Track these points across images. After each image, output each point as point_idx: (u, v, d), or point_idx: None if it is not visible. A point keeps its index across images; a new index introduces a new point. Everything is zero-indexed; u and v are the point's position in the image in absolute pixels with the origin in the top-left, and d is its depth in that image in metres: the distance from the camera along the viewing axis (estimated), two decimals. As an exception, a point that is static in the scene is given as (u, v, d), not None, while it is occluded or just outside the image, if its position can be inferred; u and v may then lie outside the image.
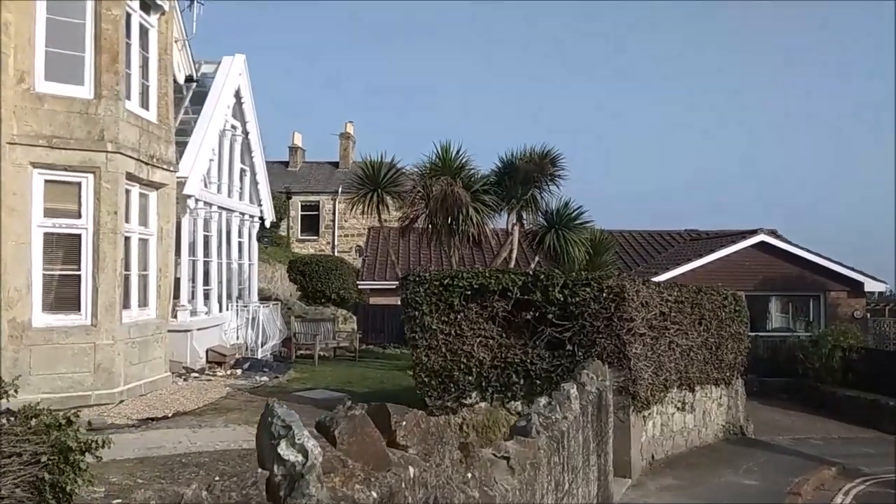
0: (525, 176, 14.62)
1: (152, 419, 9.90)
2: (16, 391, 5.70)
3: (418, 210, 15.32)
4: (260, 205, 19.52)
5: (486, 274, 9.68)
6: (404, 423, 2.44)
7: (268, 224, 20.15)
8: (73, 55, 10.57)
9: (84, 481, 5.00)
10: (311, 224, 39.78)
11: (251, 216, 19.04)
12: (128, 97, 11.45)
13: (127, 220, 11.51)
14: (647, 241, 28.48)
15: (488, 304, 9.74)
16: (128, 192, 11.50)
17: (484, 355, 9.73)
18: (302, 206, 39.76)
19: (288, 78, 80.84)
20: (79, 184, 10.57)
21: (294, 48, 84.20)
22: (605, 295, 9.43)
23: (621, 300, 9.41)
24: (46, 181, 10.35)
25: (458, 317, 9.76)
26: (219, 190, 16.72)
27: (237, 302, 17.66)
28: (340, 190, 36.99)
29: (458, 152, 14.39)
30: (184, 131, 15.53)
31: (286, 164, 42.97)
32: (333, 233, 39.31)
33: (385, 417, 2.44)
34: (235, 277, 17.94)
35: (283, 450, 1.71)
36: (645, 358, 10.03)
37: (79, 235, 10.57)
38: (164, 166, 12.33)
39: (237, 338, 17.19)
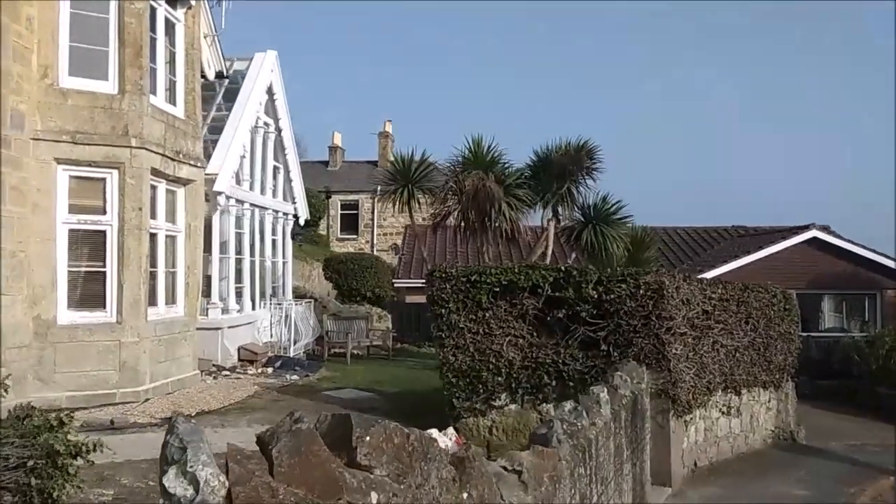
0: (560, 169, 14.07)
1: (175, 418, 9.70)
2: (6, 390, 5.40)
3: (450, 206, 14.90)
4: (294, 202, 19.38)
5: (516, 270, 9.22)
6: (368, 437, 2.04)
7: (302, 222, 20.01)
8: (97, 50, 10.47)
9: (73, 486, 4.72)
10: (350, 223, 40.00)
11: (285, 214, 18.91)
12: (153, 92, 11.32)
13: (153, 217, 11.39)
14: (692, 237, 27.55)
15: (518, 301, 9.28)
16: (154, 188, 11.38)
17: (513, 355, 9.27)
18: (341, 204, 39.99)
19: (329, 76, 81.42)
20: (103, 180, 10.47)
21: (333, 46, 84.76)
22: (642, 292, 8.89)
23: (660, 297, 8.85)
24: (71, 177, 10.28)
25: (487, 315, 9.32)
26: (251, 187, 16.60)
27: (271, 300, 17.53)
28: (379, 189, 36.98)
29: (490, 146, 13.93)
30: (216, 128, 15.45)
31: (326, 163, 43.25)
32: (372, 231, 39.35)
33: (346, 432, 2.03)
34: (269, 275, 17.82)
35: (171, 480, 1.34)
36: (686, 359, 9.44)
37: (104, 232, 10.48)
38: (192, 162, 12.19)
39: (271, 336, 17.05)
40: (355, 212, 39.49)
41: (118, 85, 10.48)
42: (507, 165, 14.22)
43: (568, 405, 5.22)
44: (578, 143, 13.99)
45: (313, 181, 39.23)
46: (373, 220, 38.84)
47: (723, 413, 10.96)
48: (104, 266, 10.46)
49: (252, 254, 16.78)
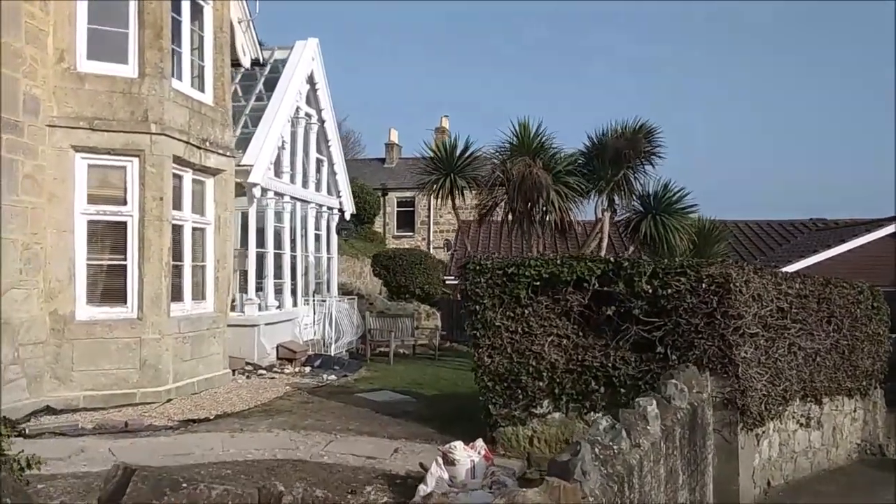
0: (615, 154, 12.91)
1: (193, 421, 9.10)
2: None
3: (497, 196, 13.94)
4: (339, 196, 18.75)
5: (558, 261, 8.18)
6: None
7: (347, 216, 19.36)
8: (116, 32, 9.98)
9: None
10: (407, 220, 39.76)
11: (329, 208, 18.30)
12: (178, 77, 10.78)
13: (179, 208, 10.85)
14: (766, 231, 25.69)
15: (561, 296, 8.24)
16: (179, 177, 10.84)
17: (556, 357, 8.24)
18: (398, 202, 39.79)
19: (386, 73, 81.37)
20: (123, 168, 9.96)
21: (392, 42, 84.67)
22: (704, 286, 7.73)
23: (726, 292, 7.67)
24: (90, 166, 9.80)
25: (526, 312, 8.33)
26: (292, 180, 16.02)
27: (314, 297, 16.94)
28: (447, 191, 36.30)
29: (538, 130, 12.88)
30: (257, 119, 14.92)
31: (383, 160, 43.02)
32: (429, 228, 38.87)
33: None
34: (312, 271, 17.23)
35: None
36: (757, 363, 8.22)
37: (124, 223, 9.97)
38: (221, 151, 11.61)
39: (313, 334, 16.46)
40: (411, 209, 39.19)
41: (138, 68, 9.95)
42: (556, 151, 13.15)
43: (604, 422, 4.22)
44: (635, 125, 12.79)
45: (370, 178, 39.01)
46: (429, 216, 38.31)
47: (801, 425, 9.66)
48: (125, 259, 9.95)
49: (293, 249, 16.22)
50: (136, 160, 9.93)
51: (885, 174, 71.51)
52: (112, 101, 9.75)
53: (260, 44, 15.01)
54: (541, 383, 8.30)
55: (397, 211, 39.88)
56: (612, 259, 8.17)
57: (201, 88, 11.55)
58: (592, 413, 8.23)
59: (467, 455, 6.40)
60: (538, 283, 8.27)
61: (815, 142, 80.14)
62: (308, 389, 11.72)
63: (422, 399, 11.22)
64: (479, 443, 6.79)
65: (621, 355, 8.05)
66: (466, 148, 13.54)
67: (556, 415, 8.38)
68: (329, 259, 18.43)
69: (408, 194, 39.09)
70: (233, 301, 14.16)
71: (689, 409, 5.65)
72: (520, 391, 8.37)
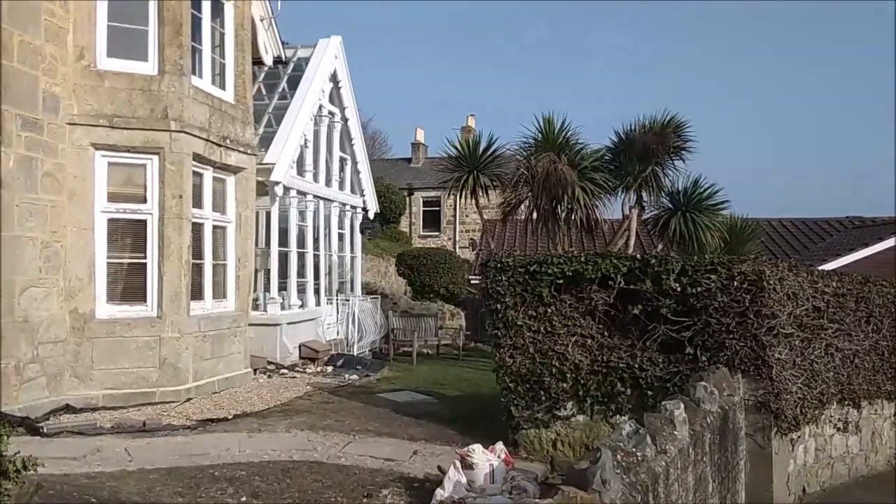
0: (643, 150, 12.55)
1: (211, 420, 9.00)
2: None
3: (521, 194, 13.65)
4: (363, 195, 18.63)
5: (582, 259, 7.90)
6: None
7: (371, 215, 19.22)
8: (136, 29, 9.93)
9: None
10: (433, 220, 39.76)
11: (353, 207, 18.18)
12: (198, 74, 10.71)
13: (199, 206, 10.78)
14: (800, 229, 24.95)
15: (585, 295, 7.96)
16: (200, 175, 10.77)
17: (580, 358, 7.97)
18: (423, 201, 39.77)
19: (411, 71, 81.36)
20: (143, 166, 9.91)
21: (416, 41, 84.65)
22: (736, 283, 7.39)
23: (758, 290, 7.33)
24: (110, 164, 9.76)
25: (549, 311, 8.06)
26: (315, 178, 15.92)
27: (337, 296, 16.82)
28: (471, 189, 36.10)
29: (562, 125, 12.58)
30: (280, 117, 14.84)
31: (409, 160, 42.99)
32: (454, 228, 38.75)
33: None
34: (335, 270, 17.12)
35: None
36: (792, 365, 7.87)
37: (144, 221, 9.92)
38: (241, 149, 11.53)
39: (337, 333, 16.36)
40: (437, 208, 39.16)
41: (158, 65, 9.90)
42: (582, 146, 12.84)
43: (627, 427, 3.97)
44: (664, 119, 12.42)
45: (396, 178, 38.99)
46: (455, 216, 38.15)
47: (838, 429, 9.25)
48: (145, 257, 9.90)
49: (316, 247, 16.12)
50: (155, 158, 9.87)
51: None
52: (132, 99, 9.71)
53: (283, 42, 14.94)
54: (564, 385, 8.04)
55: (423, 211, 39.90)
56: (638, 256, 7.87)
57: (222, 86, 11.48)
58: (618, 416, 7.95)
59: (486, 459, 6.17)
60: (561, 282, 8.00)
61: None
62: (329, 389, 11.58)
63: (444, 400, 11.01)
64: (499, 446, 6.55)
65: (648, 356, 7.75)
66: (490, 145, 13.30)
67: (581, 417, 8.11)
68: (353, 258, 18.31)
69: (434, 194, 39.02)
70: (256, 300, 14.12)
71: (719, 413, 5.35)
72: (542, 393, 8.11)
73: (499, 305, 8.20)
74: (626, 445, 3.74)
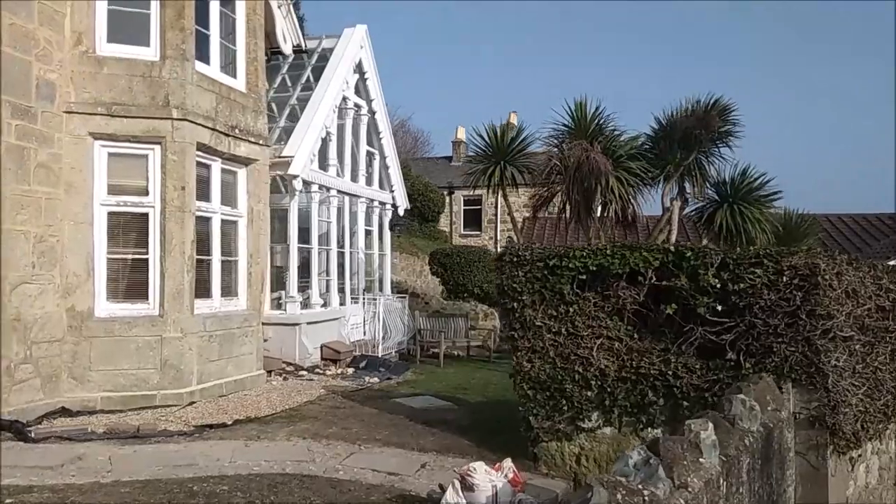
0: (685, 135, 11.53)
1: (210, 426, 8.42)
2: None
3: (553, 187, 12.78)
4: (392, 191, 17.97)
5: (608, 251, 7.03)
6: None
7: (401, 211, 18.54)
8: (137, 12, 9.45)
9: None
10: (473, 219, 39.17)
11: (381, 203, 17.54)
12: (204, 60, 10.18)
13: (207, 199, 10.26)
14: (861, 226, 23.31)
15: (611, 292, 7.08)
16: (207, 166, 10.25)
17: (607, 363, 7.09)
18: (464, 200, 39.17)
19: (453, 68, 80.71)
20: (145, 156, 9.42)
21: (459, 38, 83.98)
22: (786, 279, 6.42)
23: (812, 287, 6.34)
24: (110, 154, 9.30)
25: (571, 310, 7.21)
26: (339, 173, 15.33)
27: (364, 295, 16.20)
28: (515, 187, 35.35)
29: (596, 111, 11.65)
30: (304, 109, 14.29)
31: (449, 159, 42.47)
32: (495, 227, 38.04)
33: None
34: (362, 268, 16.49)
35: None
36: (852, 373, 6.83)
37: (146, 215, 9.43)
38: (252, 139, 10.97)
39: (363, 334, 15.72)
40: (478, 207, 38.51)
41: (159, 50, 9.39)
42: (617, 133, 11.88)
43: (635, 455, 3.14)
44: (708, 101, 11.38)
45: (437, 177, 38.42)
46: (496, 215, 37.39)
47: (907, 447, 8.14)
48: (147, 253, 9.40)
49: (341, 245, 15.53)
50: (157, 147, 9.37)
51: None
52: (132, 86, 9.22)
53: (303, 31, 14.39)
54: (589, 393, 7.18)
55: (464, 209, 39.34)
56: (672, 248, 6.95)
57: (233, 74, 10.94)
58: (650, 429, 7.05)
59: (489, 479, 5.37)
60: (585, 277, 7.14)
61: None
62: (344, 393, 10.92)
63: (464, 406, 10.23)
64: (507, 463, 5.75)
65: (684, 362, 6.84)
66: (518, 134, 12.45)
67: (608, 430, 7.23)
68: (381, 256, 17.67)
69: (475, 192, 38.32)
70: (279, 299, 13.59)
71: (761, 433, 4.45)
72: (564, 401, 7.26)
73: (515, 304, 7.38)
74: (630, 480, 2.91)
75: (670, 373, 6.85)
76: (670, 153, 11.86)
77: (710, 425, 3.69)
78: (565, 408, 7.27)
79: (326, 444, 7.86)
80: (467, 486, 5.36)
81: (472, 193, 37.58)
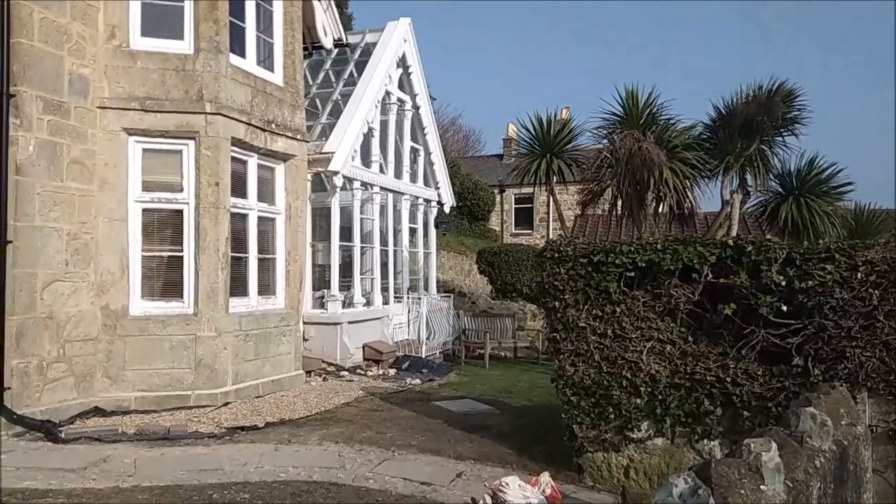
0: (746, 123, 10.75)
1: (241, 428, 8.16)
2: None
3: (605, 181, 12.14)
4: (437, 188, 17.56)
5: (658, 246, 6.44)
6: None
7: (447, 209, 18.12)
8: (171, 5, 9.28)
9: None
10: (525, 217, 38.72)
11: (426, 200, 17.15)
12: (239, 53, 9.96)
13: (243, 196, 10.05)
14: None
15: (662, 290, 6.49)
16: (243, 162, 10.04)
17: (658, 368, 6.50)
18: (515, 198, 38.73)
19: (503, 66, 79.94)
20: (179, 152, 9.24)
21: (510, 36, 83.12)
22: (861, 276, 5.74)
23: (891, 284, 5.66)
24: (144, 150, 9.15)
25: (618, 310, 6.64)
26: (382, 169, 15.01)
27: (408, 294, 15.84)
28: (555, 181, 34.66)
29: (648, 99, 10.97)
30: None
31: (500, 157, 42.05)
32: (547, 225, 37.38)
33: None
34: (406, 267, 16.14)
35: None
36: (939, 382, 6.07)
37: (181, 211, 9.25)
38: (289, 134, 10.71)
39: (407, 334, 15.37)
40: (530, 205, 37.99)
41: (193, 43, 9.20)
42: (672, 122, 11.17)
43: (681, 483, 2.64)
44: (771, 86, 10.56)
45: (487, 175, 38.02)
46: (548, 213, 36.69)
47: None
48: (182, 250, 9.22)
49: (384, 243, 15.20)
50: (191, 143, 9.19)
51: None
52: (165, 80, 9.05)
53: (345, 27, 14.11)
54: (638, 400, 6.59)
55: (515, 208, 38.90)
56: (730, 242, 6.31)
57: (270, 67, 10.71)
58: (706, 441, 6.45)
59: (523, 495, 4.89)
60: (633, 274, 6.57)
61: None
62: (383, 395, 10.55)
63: (507, 411, 9.73)
64: (545, 478, 5.26)
65: (744, 367, 6.20)
66: (565, 124, 11.85)
67: (659, 441, 6.63)
68: (426, 254, 17.28)
69: (526, 190, 37.79)
70: (322, 298, 13.35)
71: (833, 452, 3.83)
72: (611, 409, 6.70)
73: (557, 303, 6.85)
74: (674, 516, 2.39)
75: (729, 379, 6.22)
76: (730, 143, 11.09)
77: (774, 445, 3.12)
78: (612, 416, 6.71)
79: (359, 449, 7.48)
80: (499, 503, 4.88)
81: (522, 192, 37.09)
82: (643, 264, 6.48)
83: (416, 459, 7.24)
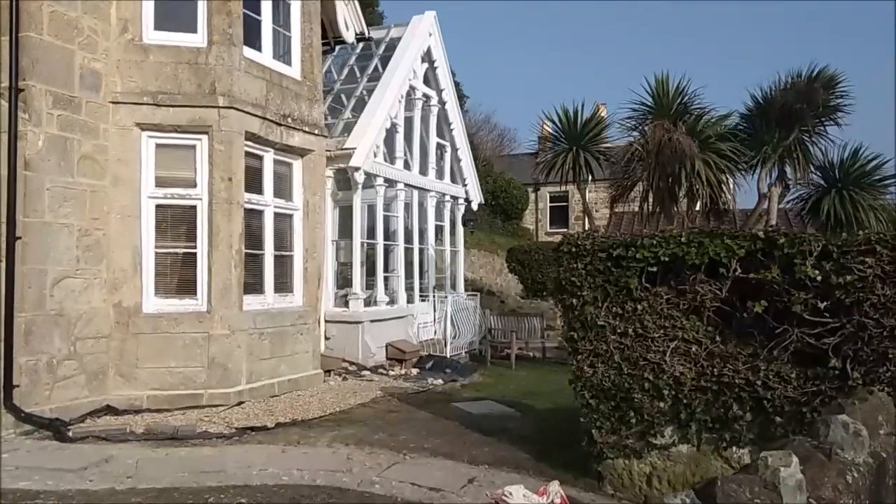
0: (784, 112, 10.17)
1: (251, 429, 7.95)
2: None
3: (634, 174, 11.66)
4: (465, 184, 17.23)
5: (682, 239, 6.00)
6: None
7: (475, 206, 17.76)
8: (185, -1, 9.14)
9: None
10: (560, 216, 38.23)
11: (453, 197, 16.83)
12: (256, 46, 9.78)
13: (259, 191, 9.87)
14: None
15: (687, 287, 6.06)
16: (259, 157, 9.85)
17: (682, 369, 6.06)
18: (550, 197, 38.25)
19: (536, 63, 79.12)
20: (193, 147, 9.09)
21: (543, 36, 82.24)
22: (904, 270, 5.23)
23: (940, 279, 5.13)
24: (158, 145, 9.01)
25: (639, 307, 6.22)
26: (406, 166, 14.74)
27: (434, 293, 15.54)
28: (590, 178, 34.05)
29: (679, 87, 10.45)
30: (370, 100, 13.79)
31: (535, 154, 41.36)
32: (583, 224, 36.73)
33: None
34: (432, 265, 15.84)
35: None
36: None
37: (194, 207, 9.09)
38: (306, 129, 10.49)
39: (433, 333, 15.07)
40: (564, 204, 37.49)
41: (206, 36, 9.03)
42: (705, 111, 10.63)
43: (678, 501, 2.23)
44: (811, 73, 9.96)
45: (522, 173, 37.48)
46: (584, 211, 36.10)
47: None
48: (195, 247, 9.07)
49: (409, 241, 14.93)
50: (204, 138, 9.02)
51: None
52: (177, 73, 8.90)
53: (375, 25, 13.87)
54: (661, 404, 6.16)
55: (550, 206, 38.42)
56: (760, 234, 5.83)
57: (287, 61, 10.51)
58: (735, 448, 5.99)
59: (527, 505, 4.52)
60: (655, 269, 6.15)
61: None
62: (402, 395, 10.26)
63: (529, 414, 9.35)
64: (554, 487, 4.89)
65: (776, 370, 5.73)
66: (593, 116, 11.39)
67: (684, 447, 6.18)
68: (453, 252, 16.96)
69: (561, 189, 37.30)
70: (345, 296, 13.14)
71: (869, 465, 3.39)
72: (632, 413, 6.27)
73: (574, 300, 6.46)
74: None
75: (759, 382, 5.75)
76: (767, 133, 10.51)
77: (794, 459, 2.72)
78: (633, 420, 6.28)
79: (369, 451, 7.20)
80: (502, 513, 4.54)
81: (558, 190, 36.54)
82: (666, 259, 6.05)
83: (428, 463, 6.92)
